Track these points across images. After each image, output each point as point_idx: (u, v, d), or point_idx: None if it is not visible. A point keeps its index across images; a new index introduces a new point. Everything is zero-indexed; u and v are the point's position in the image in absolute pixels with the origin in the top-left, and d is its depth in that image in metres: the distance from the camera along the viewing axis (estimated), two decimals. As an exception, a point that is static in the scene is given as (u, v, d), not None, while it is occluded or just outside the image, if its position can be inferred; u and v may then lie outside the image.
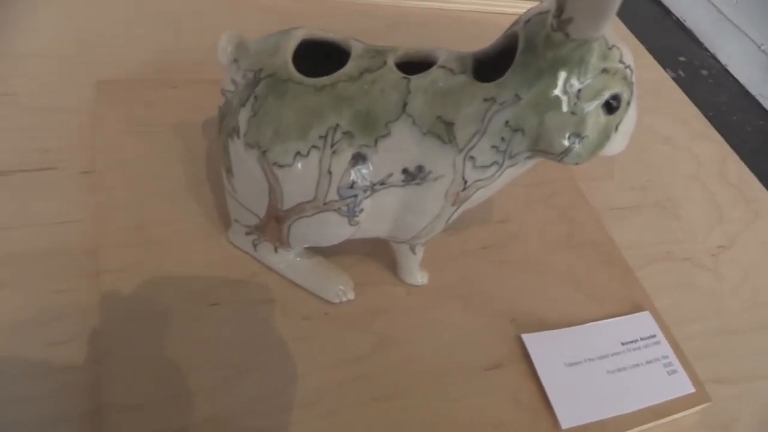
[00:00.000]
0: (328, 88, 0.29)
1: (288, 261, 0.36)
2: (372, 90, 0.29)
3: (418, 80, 0.29)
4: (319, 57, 0.31)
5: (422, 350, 0.35)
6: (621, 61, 0.27)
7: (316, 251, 0.37)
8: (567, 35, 0.25)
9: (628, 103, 0.29)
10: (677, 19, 1.91)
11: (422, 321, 0.37)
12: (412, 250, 0.35)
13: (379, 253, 0.38)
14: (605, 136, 0.29)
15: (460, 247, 0.41)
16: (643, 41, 0.73)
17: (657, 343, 0.40)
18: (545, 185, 0.48)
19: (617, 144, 0.30)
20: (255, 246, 0.36)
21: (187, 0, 0.54)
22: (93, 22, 0.48)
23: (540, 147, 0.28)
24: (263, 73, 0.30)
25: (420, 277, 0.38)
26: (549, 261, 0.43)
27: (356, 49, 0.31)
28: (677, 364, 0.40)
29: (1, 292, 0.32)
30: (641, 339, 0.40)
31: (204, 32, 0.50)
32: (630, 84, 0.28)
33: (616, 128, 0.29)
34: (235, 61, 0.31)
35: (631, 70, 0.28)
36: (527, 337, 0.37)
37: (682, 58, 1.80)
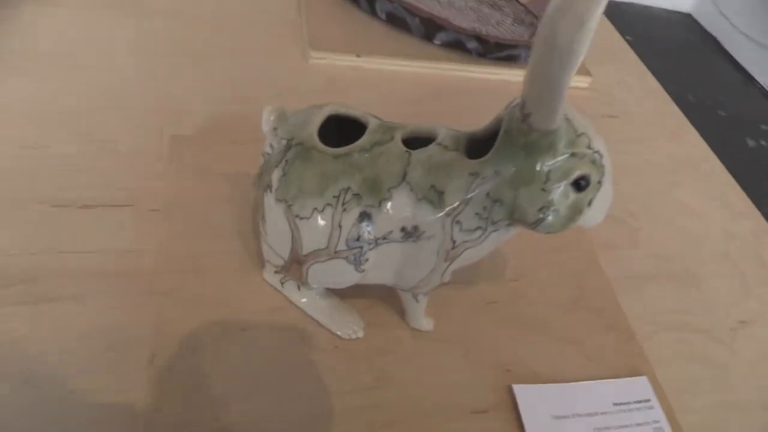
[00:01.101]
0: (343, 157, 0.35)
1: (309, 298, 0.41)
2: (379, 160, 0.35)
3: (417, 154, 0.34)
4: (345, 126, 0.37)
5: (417, 389, 0.40)
6: (589, 147, 0.32)
7: (334, 292, 0.42)
8: (530, 126, 0.30)
9: (599, 182, 0.33)
10: (761, 86, 1.87)
11: (422, 363, 0.41)
12: (415, 298, 0.40)
13: (391, 299, 0.43)
14: (576, 210, 0.33)
15: (468, 300, 0.45)
16: (723, 108, 0.75)
17: (650, 407, 0.42)
18: (562, 251, 0.51)
19: (592, 217, 0.34)
20: (282, 283, 0.41)
21: (252, 66, 0.63)
22: (171, 83, 0.58)
23: (516, 216, 0.33)
24: (294, 141, 0.36)
25: (425, 323, 0.42)
26: (553, 321, 0.46)
27: (372, 124, 0.37)
28: (668, 431, 0.41)
29: (74, 303, 0.40)
30: (635, 402, 0.42)
31: (265, 94, 0.58)
32: (599, 166, 0.32)
33: (590, 203, 0.33)
34: (275, 129, 0.38)
35: (600, 154, 0.32)
36: (518, 388, 0.41)
37: (764, 127, 1.75)
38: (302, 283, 0.40)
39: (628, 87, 0.78)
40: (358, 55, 0.65)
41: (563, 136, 0.31)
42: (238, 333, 0.40)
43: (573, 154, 0.31)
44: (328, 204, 0.35)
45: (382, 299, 0.43)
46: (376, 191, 0.35)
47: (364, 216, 0.35)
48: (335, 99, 0.39)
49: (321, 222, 0.35)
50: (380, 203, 0.35)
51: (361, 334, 0.41)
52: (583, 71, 0.74)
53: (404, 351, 0.41)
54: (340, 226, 0.35)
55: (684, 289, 0.54)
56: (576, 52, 0.26)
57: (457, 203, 0.33)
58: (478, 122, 0.36)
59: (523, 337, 0.44)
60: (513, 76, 0.70)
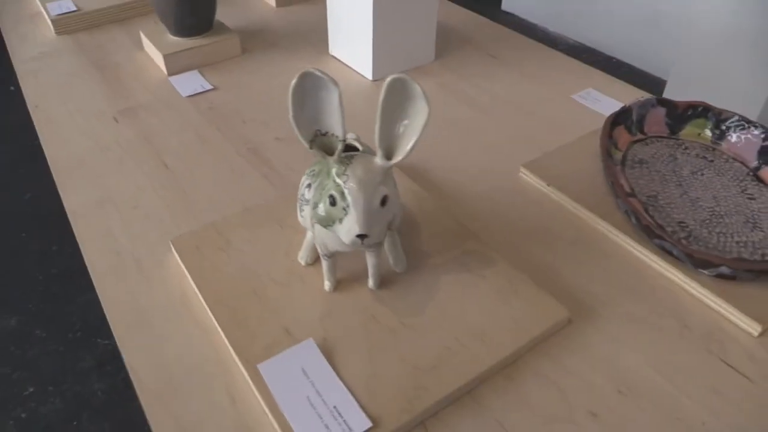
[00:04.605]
0: (328, 158, 0.63)
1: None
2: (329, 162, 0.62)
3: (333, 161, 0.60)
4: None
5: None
6: (345, 183, 0.51)
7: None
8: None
9: (344, 209, 0.51)
10: None
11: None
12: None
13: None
14: (330, 218, 0.52)
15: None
16: None
17: None
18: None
19: (343, 234, 0.52)
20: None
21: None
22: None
23: None
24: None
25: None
26: None
27: (357, 153, 0.63)
28: None
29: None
30: None
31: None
32: (345, 197, 0.51)
33: (340, 221, 0.52)
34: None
35: (350, 191, 0.50)
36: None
37: None
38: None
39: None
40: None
41: (335, 167, 0.52)
42: (277, 227, 0.74)
43: (335, 182, 0.52)
44: (310, 171, 0.65)
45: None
46: (320, 175, 0.62)
47: (309, 185, 0.63)
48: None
49: (304, 178, 0.66)
50: (314, 183, 0.62)
51: (303, 263, 0.68)
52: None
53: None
54: (302, 184, 0.65)
55: None
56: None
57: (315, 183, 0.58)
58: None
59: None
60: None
